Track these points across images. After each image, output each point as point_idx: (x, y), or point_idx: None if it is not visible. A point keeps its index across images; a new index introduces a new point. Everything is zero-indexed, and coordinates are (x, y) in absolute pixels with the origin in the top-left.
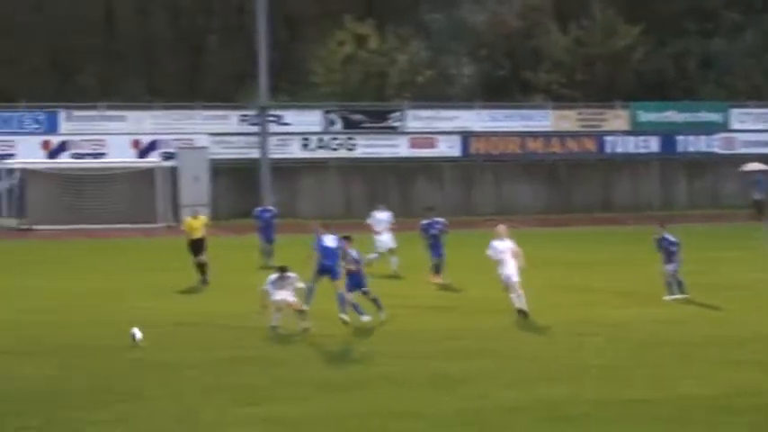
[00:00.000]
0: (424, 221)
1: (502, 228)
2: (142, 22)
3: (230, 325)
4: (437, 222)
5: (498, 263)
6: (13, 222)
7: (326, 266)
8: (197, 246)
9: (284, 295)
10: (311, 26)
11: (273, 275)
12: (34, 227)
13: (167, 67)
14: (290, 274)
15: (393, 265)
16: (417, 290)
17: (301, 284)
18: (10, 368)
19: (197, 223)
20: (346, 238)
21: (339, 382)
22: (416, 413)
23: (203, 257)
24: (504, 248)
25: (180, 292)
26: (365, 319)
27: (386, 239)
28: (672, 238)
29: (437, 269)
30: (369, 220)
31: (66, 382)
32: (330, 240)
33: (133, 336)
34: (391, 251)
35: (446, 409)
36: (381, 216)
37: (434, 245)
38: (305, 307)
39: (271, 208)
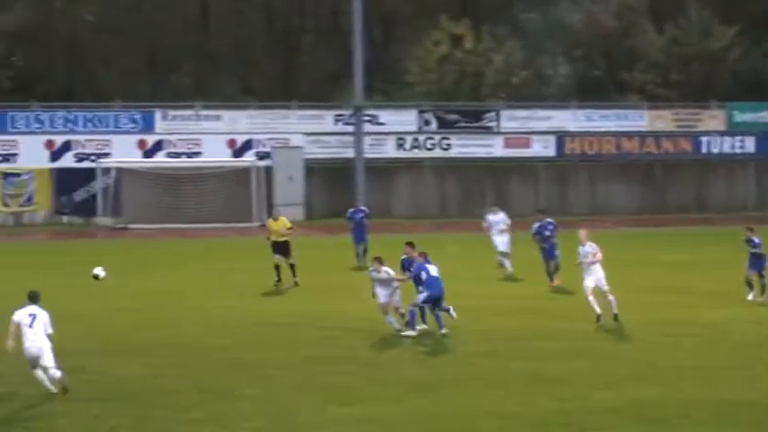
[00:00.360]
0: (536, 224)
1: (583, 233)
2: (237, 23)
3: (319, 325)
4: (549, 224)
5: (584, 269)
6: (108, 221)
7: (436, 297)
8: (280, 247)
9: (386, 297)
10: (406, 26)
11: (372, 269)
12: (129, 226)
13: (262, 66)
14: (385, 267)
15: (508, 269)
16: (512, 290)
17: (396, 283)
18: (102, 367)
19: (277, 225)
20: (409, 244)
21: (431, 383)
22: (510, 413)
23: (291, 259)
24: (585, 254)
25: (272, 293)
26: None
27: (500, 242)
28: (756, 240)
29: (555, 270)
30: (483, 223)
31: (157, 380)
32: (435, 270)
33: (96, 276)
34: (504, 254)
35: (540, 410)
36: (495, 218)
37: (548, 248)
38: (403, 309)
39: (363, 208)
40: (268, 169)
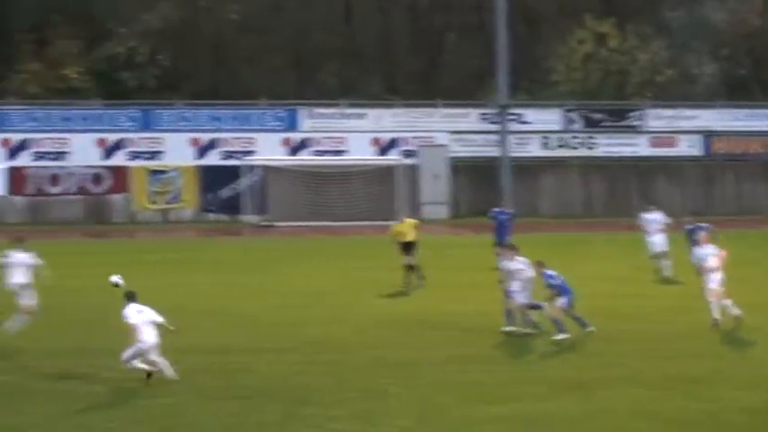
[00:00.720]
0: (689, 227)
1: (702, 235)
2: (381, 21)
3: (462, 323)
4: (700, 227)
5: (702, 272)
6: (254, 219)
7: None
8: (408, 248)
9: (520, 296)
10: (551, 25)
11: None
12: (275, 223)
13: (406, 65)
14: (520, 258)
15: (664, 270)
16: (655, 290)
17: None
18: (250, 364)
19: (405, 227)
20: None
21: (574, 382)
22: (654, 413)
23: (412, 259)
24: (704, 256)
25: (416, 291)
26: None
27: (657, 241)
28: None
29: None
30: (639, 222)
31: (305, 378)
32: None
33: (116, 283)
34: (660, 255)
35: (683, 410)
36: (652, 217)
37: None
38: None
39: (508, 210)
40: (413, 167)
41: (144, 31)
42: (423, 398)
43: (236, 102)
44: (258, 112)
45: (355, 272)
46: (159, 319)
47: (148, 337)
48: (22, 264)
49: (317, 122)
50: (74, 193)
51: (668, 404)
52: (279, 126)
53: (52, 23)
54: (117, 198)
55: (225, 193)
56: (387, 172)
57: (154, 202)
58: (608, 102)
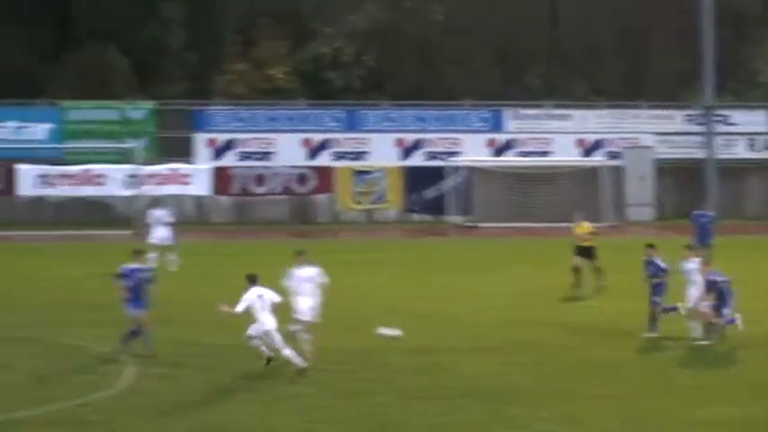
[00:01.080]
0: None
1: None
2: (586, 23)
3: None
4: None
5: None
6: (459, 219)
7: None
8: (582, 251)
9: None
10: (758, 25)
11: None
12: (479, 224)
13: (611, 66)
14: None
15: None
16: None
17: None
18: (454, 364)
19: (580, 230)
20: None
21: None
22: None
23: (596, 263)
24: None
25: (613, 293)
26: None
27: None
28: None
29: None
30: None
31: (509, 378)
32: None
33: (388, 336)
34: None
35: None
36: None
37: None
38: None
39: (708, 213)
40: (617, 169)
41: (350, 31)
42: (629, 400)
43: (441, 102)
44: (463, 113)
45: (559, 274)
46: (278, 299)
47: (267, 321)
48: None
49: (521, 123)
50: (279, 193)
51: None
52: (483, 127)
53: (260, 24)
54: (321, 198)
55: (429, 193)
56: (591, 173)
57: (358, 203)
58: None
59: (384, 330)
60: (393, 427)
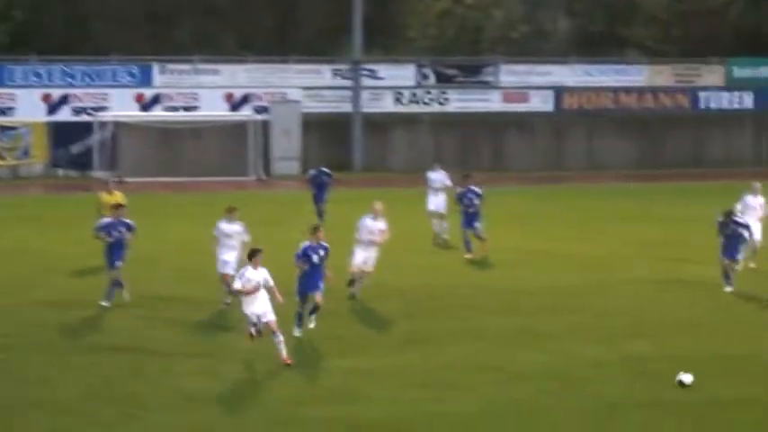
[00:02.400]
0: (460, 189)
1: (758, 184)
2: None
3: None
4: (471, 191)
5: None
6: (105, 175)
7: None
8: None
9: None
10: None
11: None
12: (126, 179)
13: (260, 21)
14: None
15: (441, 232)
16: (506, 242)
17: None
18: (98, 320)
19: (112, 199)
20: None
21: (421, 338)
22: (498, 366)
23: None
24: (755, 205)
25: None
26: None
27: (434, 202)
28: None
29: (471, 241)
30: (424, 179)
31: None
32: None
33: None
34: (437, 215)
35: (528, 363)
36: (434, 176)
37: (467, 215)
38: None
39: (326, 170)
40: (265, 123)
41: None
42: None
43: (89, 57)
44: (111, 68)
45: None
46: (270, 282)
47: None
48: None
49: (169, 78)
50: None
51: (514, 358)
52: (131, 82)
53: None
54: None
55: (75, 149)
56: (239, 128)
57: (3, 158)
58: (461, 57)
59: None
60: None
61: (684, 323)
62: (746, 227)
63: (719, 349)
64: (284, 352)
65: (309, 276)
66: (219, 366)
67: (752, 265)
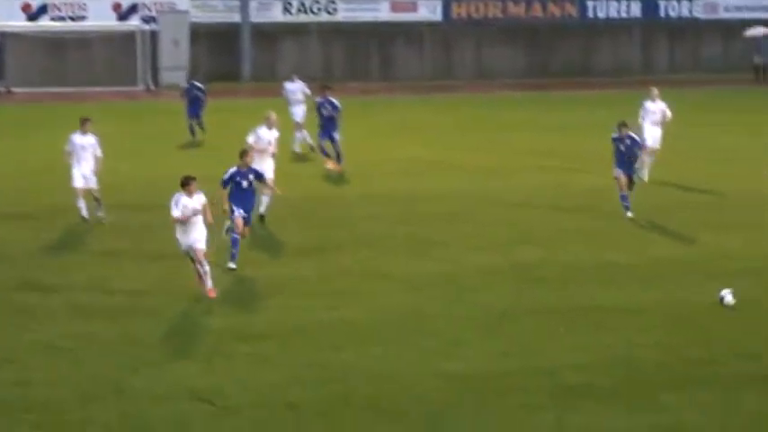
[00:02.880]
0: (318, 99)
1: (656, 90)
2: None
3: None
4: (329, 102)
5: (645, 124)
6: None
7: None
8: None
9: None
10: None
11: None
12: (13, 89)
13: None
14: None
15: (296, 142)
16: (398, 152)
17: None
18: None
19: None
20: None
21: (316, 246)
22: (388, 274)
23: None
24: (656, 110)
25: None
26: None
27: (296, 112)
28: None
29: (329, 152)
30: (283, 92)
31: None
32: None
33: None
34: (298, 126)
35: (421, 271)
36: (292, 86)
37: (325, 125)
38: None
39: (198, 84)
40: (153, 33)
41: None
42: None
43: None
44: None
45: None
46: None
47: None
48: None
49: None
50: None
51: (405, 266)
52: None
53: None
54: None
55: None
56: (127, 38)
57: None
58: None
59: None
60: None
61: (572, 231)
62: (640, 145)
63: (605, 257)
64: (209, 283)
65: (238, 201)
66: (110, 284)
67: (645, 177)
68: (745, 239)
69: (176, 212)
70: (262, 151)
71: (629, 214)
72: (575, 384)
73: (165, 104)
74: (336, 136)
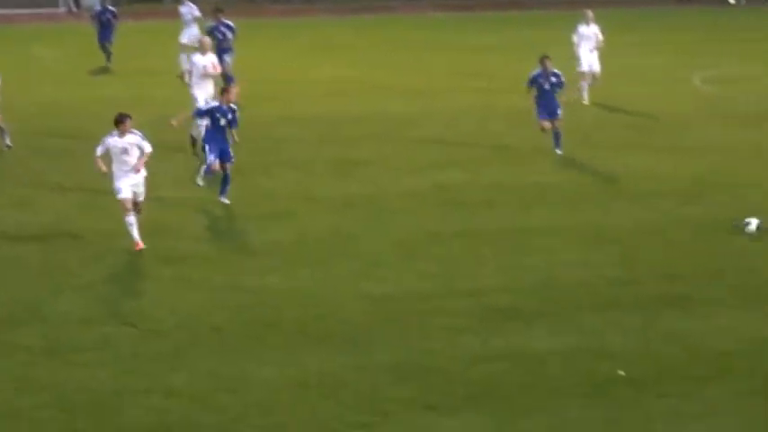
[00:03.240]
0: (211, 23)
1: (590, 13)
2: None
3: None
4: (223, 24)
5: (580, 48)
6: None
7: None
8: None
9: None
10: None
11: None
12: None
13: None
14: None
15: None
16: (324, 73)
17: None
18: None
19: None
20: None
21: (237, 167)
22: (314, 197)
23: None
24: (590, 34)
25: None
26: None
27: (188, 34)
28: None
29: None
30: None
31: None
32: None
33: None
34: (182, 47)
35: (344, 192)
36: (184, 9)
37: (220, 49)
38: None
39: (112, 8)
40: None
41: None
42: None
43: None
44: None
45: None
46: (146, 149)
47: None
48: None
49: None
50: None
51: (328, 187)
52: None
53: None
54: None
55: None
56: None
57: None
58: None
59: None
60: None
61: (497, 150)
62: (563, 84)
63: (530, 179)
64: (137, 235)
65: (213, 141)
66: (33, 209)
67: (585, 100)
68: (670, 161)
69: (99, 150)
70: (202, 77)
71: (558, 151)
72: (500, 306)
73: (87, 27)
74: (227, 58)
